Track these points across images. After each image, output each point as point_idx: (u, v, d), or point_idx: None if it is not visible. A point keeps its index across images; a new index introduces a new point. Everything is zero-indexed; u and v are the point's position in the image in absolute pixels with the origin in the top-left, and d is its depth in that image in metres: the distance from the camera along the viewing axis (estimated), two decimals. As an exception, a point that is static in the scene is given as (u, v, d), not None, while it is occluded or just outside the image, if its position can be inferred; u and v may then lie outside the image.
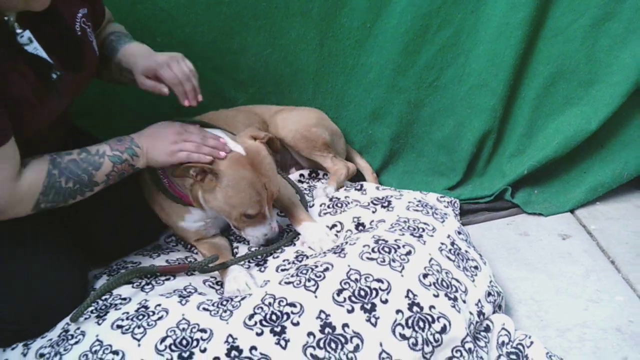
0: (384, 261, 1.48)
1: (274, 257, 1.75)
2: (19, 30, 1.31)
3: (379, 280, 1.42)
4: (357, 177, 2.30)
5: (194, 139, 1.57)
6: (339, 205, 1.93)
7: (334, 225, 1.85)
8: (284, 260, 1.72)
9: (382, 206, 1.86)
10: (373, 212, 1.84)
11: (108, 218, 1.76)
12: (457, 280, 1.51)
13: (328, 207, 1.94)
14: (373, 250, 1.52)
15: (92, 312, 1.45)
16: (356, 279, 1.42)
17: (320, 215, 1.92)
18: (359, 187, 2.03)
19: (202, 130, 1.64)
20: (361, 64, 2.24)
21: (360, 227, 1.80)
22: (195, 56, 2.05)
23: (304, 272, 1.47)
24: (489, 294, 1.57)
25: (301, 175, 2.23)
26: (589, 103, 2.21)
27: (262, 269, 1.71)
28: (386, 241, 1.56)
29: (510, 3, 2.05)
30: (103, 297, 1.50)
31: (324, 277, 1.43)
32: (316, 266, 1.49)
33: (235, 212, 1.63)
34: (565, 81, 2.20)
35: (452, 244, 1.64)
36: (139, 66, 1.57)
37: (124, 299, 1.50)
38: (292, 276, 1.47)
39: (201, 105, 1.88)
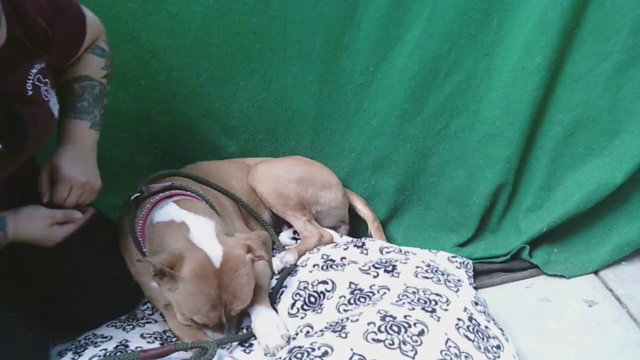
0: (392, 344, 1.26)
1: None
2: None
3: (387, 369, 1.20)
4: (360, 228, 2.12)
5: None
6: (334, 266, 1.70)
7: (323, 282, 1.62)
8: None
9: (386, 270, 1.64)
10: (374, 276, 1.62)
11: (83, 284, 1.57)
12: (479, 366, 1.30)
13: (321, 267, 1.70)
14: (379, 330, 1.31)
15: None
16: (361, 367, 1.21)
17: (312, 272, 1.69)
18: (360, 244, 1.81)
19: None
20: (364, 109, 2.08)
21: (357, 292, 1.58)
22: (182, 101, 1.94)
23: (299, 356, 1.25)
24: (515, 379, 1.35)
25: (295, 232, 2.03)
26: (612, 154, 2.04)
27: (247, 350, 1.48)
28: (394, 318, 1.35)
29: (527, 47, 1.90)
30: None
31: (323, 364, 1.22)
32: (313, 349, 1.27)
33: (184, 316, 1.45)
34: (586, 130, 2.04)
35: (470, 319, 1.43)
36: (55, 158, 1.41)
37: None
38: (284, 362, 1.26)
39: (192, 153, 1.73)
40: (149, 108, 1.93)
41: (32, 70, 1.28)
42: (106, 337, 1.52)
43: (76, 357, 1.43)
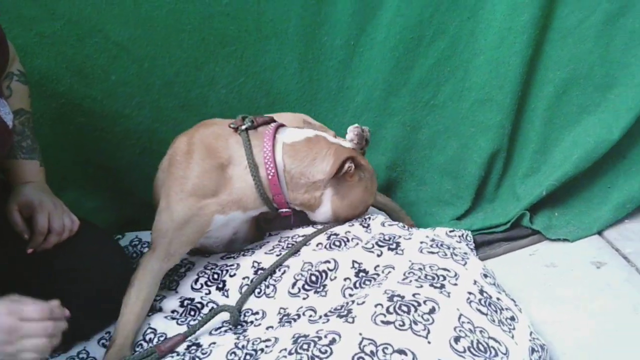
0: (403, 325, 1.18)
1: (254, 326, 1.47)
2: None
3: (401, 352, 1.12)
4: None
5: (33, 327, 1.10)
6: (337, 243, 1.61)
7: (326, 261, 1.53)
8: (267, 328, 1.43)
9: (390, 248, 1.55)
10: (378, 255, 1.54)
11: (77, 294, 1.44)
12: (495, 340, 1.22)
13: (325, 246, 1.61)
14: (388, 311, 1.22)
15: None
16: (372, 352, 1.12)
17: (315, 250, 1.61)
18: (366, 224, 1.71)
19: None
20: (347, 86, 2.00)
21: (362, 274, 1.50)
22: (156, 93, 1.84)
23: (305, 347, 1.17)
24: (533, 350, 1.28)
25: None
26: (608, 109, 1.98)
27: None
28: (402, 297, 1.27)
29: (511, 5, 1.83)
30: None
31: (331, 353, 1.14)
32: (319, 337, 1.19)
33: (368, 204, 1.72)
34: (579, 87, 1.98)
35: (481, 292, 1.35)
36: (19, 195, 1.37)
37: None
38: (289, 354, 1.18)
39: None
40: (121, 104, 1.82)
41: None
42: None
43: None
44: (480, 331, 1.22)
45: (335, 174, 1.52)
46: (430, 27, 1.90)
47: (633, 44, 1.90)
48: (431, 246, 1.52)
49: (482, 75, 1.97)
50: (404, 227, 1.68)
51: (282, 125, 1.64)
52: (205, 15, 1.77)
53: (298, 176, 1.56)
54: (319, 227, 1.67)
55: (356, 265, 1.51)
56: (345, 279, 1.49)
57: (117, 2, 1.70)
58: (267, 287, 1.52)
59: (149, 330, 1.48)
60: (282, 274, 1.55)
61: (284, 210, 1.62)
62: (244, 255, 1.66)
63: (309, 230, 1.68)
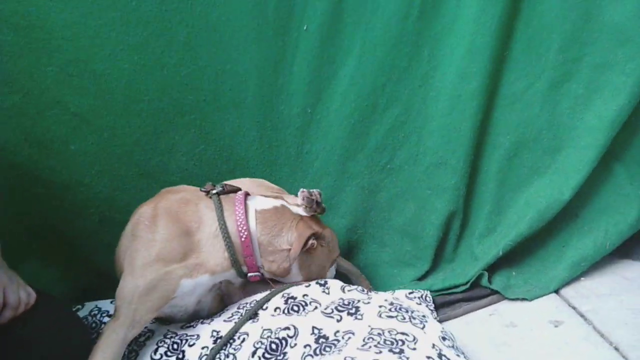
0: (359, 393, 1.19)
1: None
2: None
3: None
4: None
5: None
6: (295, 308, 1.63)
7: (286, 328, 1.53)
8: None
9: (349, 313, 1.57)
10: (338, 320, 1.55)
11: None
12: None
13: (283, 311, 1.63)
14: (346, 379, 1.23)
15: None
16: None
17: (274, 315, 1.61)
18: (322, 282, 1.74)
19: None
20: (306, 152, 2.04)
21: (322, 340, 1.50)
22: (116, 162, 1.85)
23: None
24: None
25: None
26: (557, 171, 2.03)
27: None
28: (361, 365, 1.28)
29: (460, 74, 1.90)
30: None
31: None
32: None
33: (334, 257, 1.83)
34: (528, 150, 2.04)
35: (440, 355, 1.36)
36: None
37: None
38: None
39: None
40: (81, 173, 1.82)
41: None
42: None
43: None
44: (435, 397, 1.23)
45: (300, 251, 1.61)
46: (383, 95, 1.95)
47: (578, 108, 1.97)
48: (390, 310, 1.54)
49: (435, 140, 2.01)
50: (363, 290, 1.69)
51: (248, 193, 1.69)
52: (163, 85, 1.81)
53: (267, 244, 1.62)
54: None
55: (316, 331, 1.52)
56: (305, 346, 1.48)
57: (76, 74, 1.72)
58: (227, 356, 1.51)
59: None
60: (242, 342, 1.54)
61: (252, 274, 1.64)
62: (202, 323, 1.65)
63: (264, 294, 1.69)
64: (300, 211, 1.71)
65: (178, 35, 1.77)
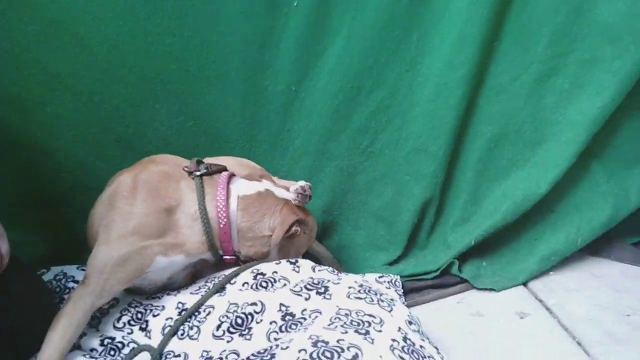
0: (324, 375, 1.20)
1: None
2: None
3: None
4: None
5: None
6: (264, 284, 1.62)
7: (253, 303, 1.52)
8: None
9: (318, 292, 1.57)
10: (306, 298, 1.55)
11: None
12: (414, 392, 1.25)
13: (251, 286, 1.61)
14: (311, 357, 1.22)
15: None
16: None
17: (242, 290, 1.61)
18: (293, 261, 1.73)
19: None
20: (287, 129, 2.01)
21: (289, 317, 1.51)
22: (93, 127, 1.81)
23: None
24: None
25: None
26: (536, 164, 2.04)
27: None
28: (327, 343, 1.28)
29: (448, 61, 1.89)
30: None
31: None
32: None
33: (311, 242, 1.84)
34: (509, 142, 2.05)
35: (405, 339, 1.38)
36: None
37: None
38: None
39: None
40: (56, 136, 1.78)
41: None
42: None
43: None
44: (400, 383, 1.24)
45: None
46: (370, 78, 1.93)
47: (562, 103, 1.98)
48: (359, 291, 1.54)
49: (418, 126, 2.01)
50: (334, 271, 1.70)
51: (233, 175, 1.67)
52: (147, 53, 1.76)
53: (246, 230, 1.61)
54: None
55: (283, 308, 1.51)
56: (271, 322, 1.48)
57: (59, 36, 1.67)
58: (191, 328, 1.50)
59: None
60: (207, 314, 1.53)
61: (228, 257, 1.63)
62: (168, 294, 1.64)
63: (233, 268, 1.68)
64: (286, 195, 1.69)
65: (165, 3, 1.72)
